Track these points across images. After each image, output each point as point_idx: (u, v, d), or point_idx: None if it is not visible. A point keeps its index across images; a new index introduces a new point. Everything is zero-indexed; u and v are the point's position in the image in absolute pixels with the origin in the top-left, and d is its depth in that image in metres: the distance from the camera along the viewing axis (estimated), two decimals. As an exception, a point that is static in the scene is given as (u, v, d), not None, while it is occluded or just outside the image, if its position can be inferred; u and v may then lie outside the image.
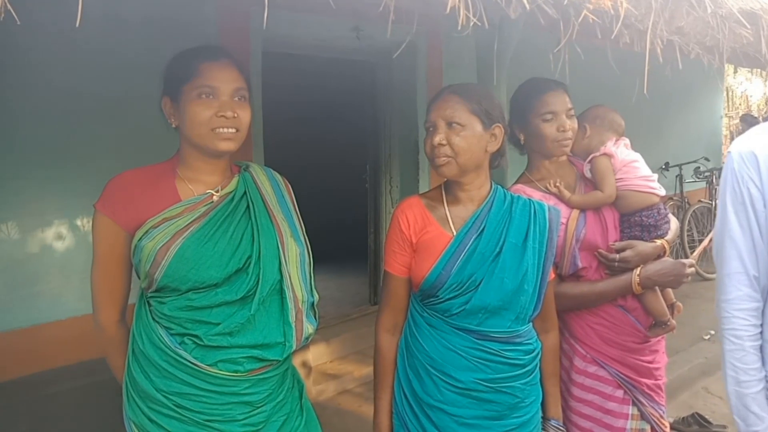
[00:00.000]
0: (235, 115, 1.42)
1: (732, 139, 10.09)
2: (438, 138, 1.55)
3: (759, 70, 7.76)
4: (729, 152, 1.46)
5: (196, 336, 1.41)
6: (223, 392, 1.42)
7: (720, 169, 7.19)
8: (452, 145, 1.55)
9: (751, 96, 11.45)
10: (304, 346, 1.53)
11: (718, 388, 3.90)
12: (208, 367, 1.41)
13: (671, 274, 1.80)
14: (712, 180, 6.81)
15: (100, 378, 1.66)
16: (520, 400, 1.61)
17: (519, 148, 1.94)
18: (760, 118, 9.58)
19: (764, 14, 2.30)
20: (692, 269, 1.81)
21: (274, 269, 1.47)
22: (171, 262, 1.38)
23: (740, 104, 11.52)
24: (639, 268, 1.81)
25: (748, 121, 9.46)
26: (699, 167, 6.79)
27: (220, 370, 1.42)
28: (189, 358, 1.40)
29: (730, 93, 10.93)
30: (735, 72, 10.21)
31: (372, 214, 5.01)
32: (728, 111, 10.44)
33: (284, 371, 1.55)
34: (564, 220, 1.81)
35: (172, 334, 1.43)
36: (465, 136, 1.55)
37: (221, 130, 1.41)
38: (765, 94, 10.92)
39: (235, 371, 1.43)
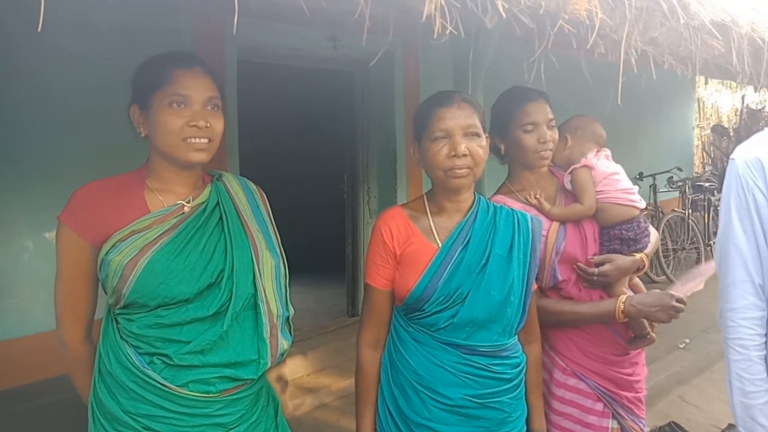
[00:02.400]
0: (208, 124, 1.37)
1: (703, 149, 10.31)
2: (462, 147, 1.49)
3: (728, 82, 7.93)
4: (732, 159, 1.43)
5: (165, 355, 1.35)
6: (195, 414, 1.37)
7: (692, 179, 7.33)
8: (473, 155, 1.50)
9: (721, 107, 11.70)
10: (280, 362, 1.48)
11: (694, 397, 3.93)
12: (178, 388, 1.35)
13: (656, 305, 1.71)
14: (685, 190, 6.93)
15: (68, 395, 1.61)
16: (508, 415, 1.58)
17: (500, 158, 1.93)
18: (730, 129, 9.80)
19: (734, 26, 2.34)
20: (680, 304, 1.70)
21: (248, 283, 1.42)
22: (139, 277, 1.33)
23: (711, 115, 11.76)
24: (624, 297, 1.76)
25: (719, 131, 9.67)
26: (672, 177, 6.89)
27: (191, 390, 1.36)
28: (158, 378, 1.35)
29: (701, 104, 11.15)
30: (706, 83, 10.43)
31: (350, 225, 4.97)
32: (700, 122, 10.65)
33: (258, 390, 1.50)
34: (544, 232, 1.78)
35: (140, 354, 1.37)
36: (483, 146, 1.54)
37: (193, 140, 1.36)
38: (734, 105, 11.16)
39: (207, 392, 1.37)
